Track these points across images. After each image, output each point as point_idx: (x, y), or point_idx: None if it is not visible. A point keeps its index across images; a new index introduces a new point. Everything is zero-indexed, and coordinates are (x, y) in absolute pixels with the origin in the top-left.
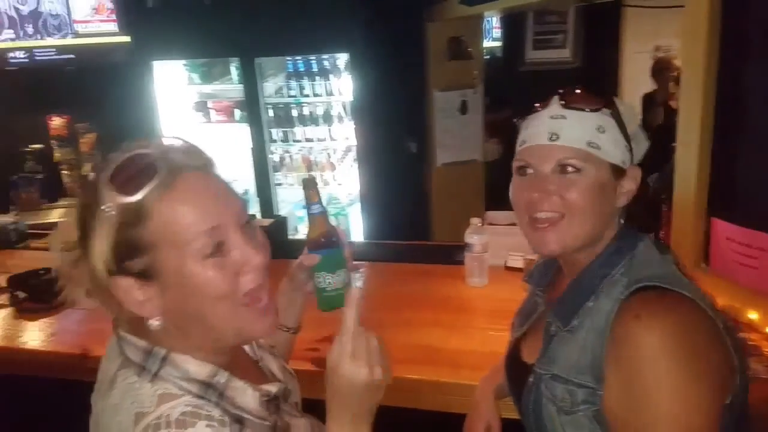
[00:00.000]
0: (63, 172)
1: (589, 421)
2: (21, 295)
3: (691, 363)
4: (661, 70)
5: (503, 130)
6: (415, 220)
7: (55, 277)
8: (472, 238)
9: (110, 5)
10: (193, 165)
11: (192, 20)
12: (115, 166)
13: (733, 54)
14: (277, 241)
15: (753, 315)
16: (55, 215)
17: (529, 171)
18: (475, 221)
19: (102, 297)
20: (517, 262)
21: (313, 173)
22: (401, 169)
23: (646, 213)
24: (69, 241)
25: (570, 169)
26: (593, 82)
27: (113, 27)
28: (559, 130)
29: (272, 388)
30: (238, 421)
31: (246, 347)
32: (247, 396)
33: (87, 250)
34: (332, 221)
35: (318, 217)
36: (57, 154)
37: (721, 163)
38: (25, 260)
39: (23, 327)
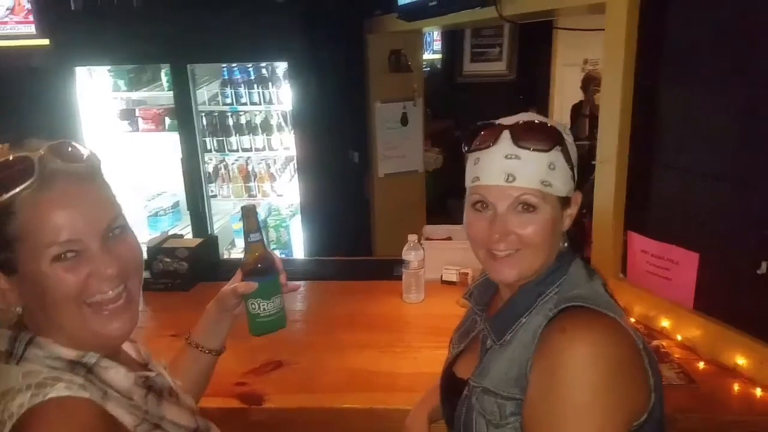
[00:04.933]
0: None
1: None
2: None
3: (609, 378)
4: (588, 83)
5: (443, 140)
6: (358, 231)
7: None
8: (408, 254)
9: (28, 5)
10: (69, 172)
11: (119, 24)
12: None
13: (648, 77)
14: (208, 262)
15: (665, 323)
16: None
17: (487, 209)
18: (412, 238)
19: None
20: (452, 275)
21: (251, 184)
22: (343, 180)
23: (577, 231)
24: None
25: (526, 207)
26: (527, 94)
27: (31, 29)
28: (515, 171)
29: (150, 373)
30: (103, 392)
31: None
32: (119, 374)
33: None
34: (269, 248)
35: (256, 244)
36: None
37: (637, 179)
38: None
39: None
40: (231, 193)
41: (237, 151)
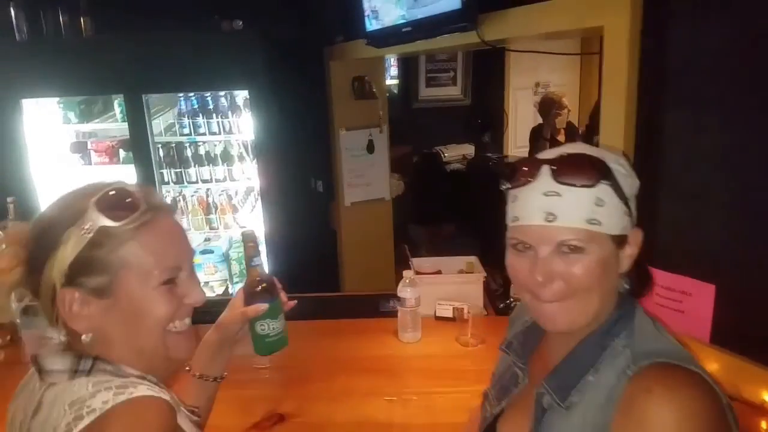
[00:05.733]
0: None
1: None
2: None
3: None
4: (548, 106)
5: (403, 165)
6: (325, 261)
7: None
8: (404, 291)
9: None
10: (164, 205)
11: (68, 54)
12: (103, 192)
13: (651, 103)
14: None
15: None
16: None
17: (528, 249)
18: (408, 274)
19: (44, 306)
20: (447, 311)
21: (211, 216)
22: (308, 209)
23: (637, 275)
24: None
25: (572, 248)
26: (483, 118)
27: None
28: (555, 209)
29: (195, 408)
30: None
31: None
32: (175, 399)
33: (45, 261)
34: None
35: (258, 268)
36: None
37: (643, 208)
38: None
39: None
40: (191, 226)
41: (196, 182)
